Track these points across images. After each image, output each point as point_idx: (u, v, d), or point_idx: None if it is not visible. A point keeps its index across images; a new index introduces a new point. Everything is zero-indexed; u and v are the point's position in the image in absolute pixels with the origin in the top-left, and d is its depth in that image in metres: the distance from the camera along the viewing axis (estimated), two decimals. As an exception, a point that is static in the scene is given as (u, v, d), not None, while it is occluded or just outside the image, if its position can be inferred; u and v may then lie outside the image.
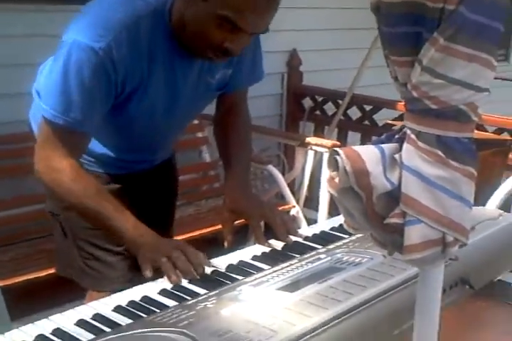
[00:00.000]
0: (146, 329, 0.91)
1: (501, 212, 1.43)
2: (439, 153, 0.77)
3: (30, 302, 2.01)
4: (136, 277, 1.53)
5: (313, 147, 2.77)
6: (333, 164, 0.79)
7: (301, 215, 2.84)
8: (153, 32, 1.29)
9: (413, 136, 0.78)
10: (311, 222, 2.97)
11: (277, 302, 0.99)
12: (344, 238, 1.33)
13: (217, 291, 1.06)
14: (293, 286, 1.06)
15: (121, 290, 1.53)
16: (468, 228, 0.82)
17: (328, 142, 2.77)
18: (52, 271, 2.14)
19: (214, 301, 1.01)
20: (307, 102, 3.67)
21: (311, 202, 3.14)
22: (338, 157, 0.78)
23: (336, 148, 0.80)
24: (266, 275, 1.13)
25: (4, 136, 2.45)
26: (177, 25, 1.31)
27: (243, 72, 1.55)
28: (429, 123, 0.77)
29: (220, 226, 2.75)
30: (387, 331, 1.01)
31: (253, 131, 3.40)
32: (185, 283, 1.17)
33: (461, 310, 1.20)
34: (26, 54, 2.42)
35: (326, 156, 2.77)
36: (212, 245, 2.89)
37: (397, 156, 0.79)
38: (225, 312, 0.95)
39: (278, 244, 1.36)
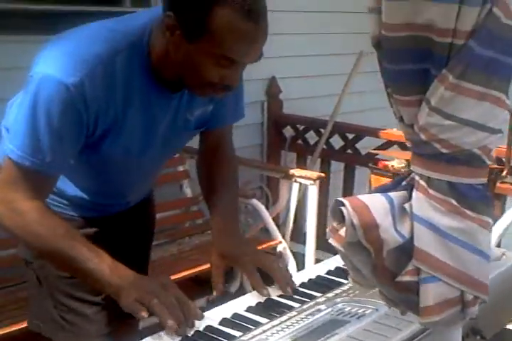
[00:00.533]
0: None
1: (504, 250, 1.35)
2: (453, 201, 0.69)
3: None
4: (113, 331, 1.44)
5: (298, 179, 2.69)
6: (338, 216, 0.72)
7: (288, 252, 2.75)
8: (129, 66, 1.20)
9: (423, 183, 0.71)
10: (298, 256, 2.88)
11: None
12: (343, 284, 1.24)
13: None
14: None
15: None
16: (488, 283, 0.74)
17: (314, 174, 2.69)
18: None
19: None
20: (288, 131, 3.61)
21: (297, 236, 3.06)
22: (343, 208, 0.70)
23: (340, 199, 0.72)
24: (264, 331, 1.04)
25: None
26: (157, 62, 1.23)
27: (227, 108, 1.47)
28: (440, 168, 0.70)
29: (204, 267, 2.72)
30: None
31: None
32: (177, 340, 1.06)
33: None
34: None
35: (311, 189, 2.70)
36: (197, 286, 2.80)
37: (406, 206, 0.72)
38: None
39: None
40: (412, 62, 0.68)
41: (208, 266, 2.82)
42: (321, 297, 1.19)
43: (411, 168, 0.75)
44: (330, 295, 1.19)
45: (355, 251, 0.73)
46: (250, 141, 3.64)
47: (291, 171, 2.73)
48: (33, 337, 1.69)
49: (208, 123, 1.46)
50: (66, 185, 1.39)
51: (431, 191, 0.70)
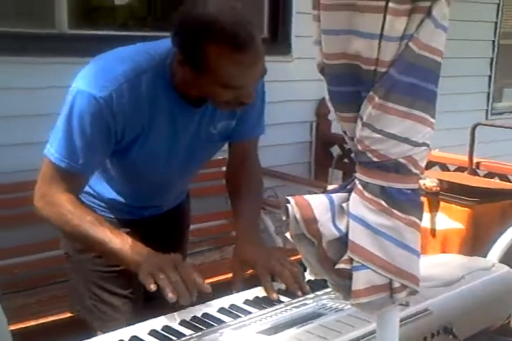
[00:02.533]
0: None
1: (495, 262, 1.44)
2: (383, 202, 0.82)
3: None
4: (140, 321, 1.61)
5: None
6: (285, 211, 0.86)
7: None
8: (154, 84, 1.38)
9: (360, 187, 0.84)
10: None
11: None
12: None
13: (200, 333, 1.12)
14: (272, 330, 1.11)
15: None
16: (418, 275, 0.86)
17: (349, 190, 2.81)
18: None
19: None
20: (335, 150, 3.73)
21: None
22: (288, 205, 0.85)
23: (288, 197, 0.86)
24: (250, 318, 1.19)
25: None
26: (179, 84, 1.39)
27: (249, 123, 1.61)
28: (374, 174, 0.83)
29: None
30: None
31: (281, 179, 3.45)
32: (175, 324, 1.21)
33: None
34: (32, 105, 2.61)
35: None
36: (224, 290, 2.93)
37: (344, 205, 0.85)
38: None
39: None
40: (348, 85, 0.82)
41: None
42: (311, 294, 1.32)
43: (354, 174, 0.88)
44: (320, 293, 1.32)
45: (302, 242, 0.86)
46: (299, 159, 3.79)
47: (330, 187, 2.86)
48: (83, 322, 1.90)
49: (231, 136, 1.62)
50: (104, 189, 1.59)
51: (366, 193, 0.83)
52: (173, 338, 1.14)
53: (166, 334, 1.18)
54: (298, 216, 0.84)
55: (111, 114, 1.33)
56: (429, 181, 2.54)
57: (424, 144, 0.82)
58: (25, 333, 2.15)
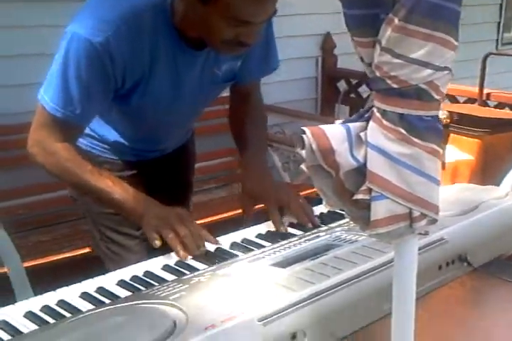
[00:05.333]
0: (139, 301, 0.97)
1: (509, 190, 1.43)
2: (402, 131, 0.79)
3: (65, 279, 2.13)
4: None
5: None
6: (301, 142, 0.83)
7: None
8: (154, 26, 1.31)
9: (378, 115, 0.81)
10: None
11: (267, 277, 1.03)
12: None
13: (214, 267, 1.12)
14: (286, 262, 1.11)
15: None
16: (437, 204, 0.84)
17: (359, 124, 2.76)
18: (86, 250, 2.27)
19: (208, 276, 1.06)
20: (342, 85, 3.67)
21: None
22: (304, 136, 0.82)
23: (303, 127, 0.83)
24: (264, 252, 1.18)
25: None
26: (180, 22, 1.33)
27: (254, 63, 1.56)
28: (393, 102, 0.80)
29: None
30: (376, 306, 1.04)
31: (288, 115, 3.42)
32: (188, 259, 1.22)
33: (460, 286, 1.22)
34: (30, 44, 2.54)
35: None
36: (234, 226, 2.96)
37: (362, 134, 0.82)
38: (215, 286, 1.01)
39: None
40: (365, 7, 0.77)
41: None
42: (324, 227, 1.32)
43: (372, 103, 0.84)
44: (333, 225, 1.31)
45: (317, 173, 0.84)
46: (305, 95, 3.74)
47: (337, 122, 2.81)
48: (91, 261, 1.92)
49: (236, 77, 1.57)
50: (107, 131, 1.56)
51: (384, 121, 0.80)
52: (187, 272, 1.15)
53: (180, 268, 1.18)
54: (314, 146, 0.81)
55: (109, 59, 1.27)
56: (440, 113, 2.50)
57: (446, 68, 0.78)
58: (39, 270, 2.19)
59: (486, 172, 2.48)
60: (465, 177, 2.53)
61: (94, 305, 1.02)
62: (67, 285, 1.10)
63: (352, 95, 3.63)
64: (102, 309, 0.95)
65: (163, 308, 0.93)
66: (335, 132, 0.82)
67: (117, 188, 1.33)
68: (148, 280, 1.13)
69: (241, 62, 1.53)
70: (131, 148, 1.62)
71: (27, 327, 0.98)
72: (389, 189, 0.81)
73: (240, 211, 2.76)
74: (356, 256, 1.10)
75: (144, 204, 1.32)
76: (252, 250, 1.23)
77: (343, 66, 3.64)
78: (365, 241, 1.17)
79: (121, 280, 1.13)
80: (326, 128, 0.83)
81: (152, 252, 1.59)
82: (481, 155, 2.45)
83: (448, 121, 2.49)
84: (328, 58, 3.65)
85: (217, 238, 1.31)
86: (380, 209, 0.81)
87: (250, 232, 1.35)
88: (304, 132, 0.82)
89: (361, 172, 0.83)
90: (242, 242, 1.29)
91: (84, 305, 1.03)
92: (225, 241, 1.30)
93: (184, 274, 1.13)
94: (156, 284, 1.09)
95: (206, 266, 1.15)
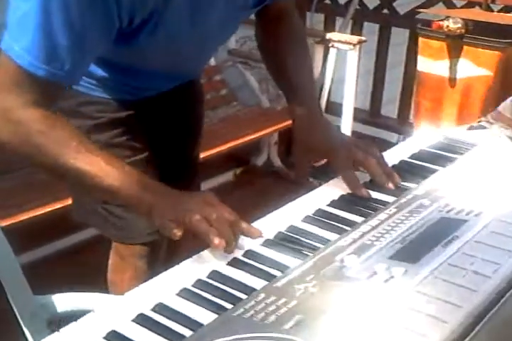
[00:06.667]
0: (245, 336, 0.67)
1: None
2: None
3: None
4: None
5: (336, 44, 2.43)
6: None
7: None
8: None
9: None
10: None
11: (399, 282, 0.74)
12: (435, 170, 1.07)
13: (309, 262, 0.82)
14: (409, 253, 0.82)
15: (152, 242, 1.32)
16: None
17: (354, 38, 2.42)
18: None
19: (314, 282, 0.76)
20: (315, -10, 3.25)
21: (332, 108, 2.86)
22: None
23: None
24: (364, 234, 0.88)
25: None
26: None
27: None
28: None
29: (234, 142, 2.56)
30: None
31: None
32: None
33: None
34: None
35: (350, 55, 2.44)
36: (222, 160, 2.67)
37: None
38: (338, 305, 0.71)
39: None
40: None
41: (238, 141, 2.70)
42: (417, 189, 1.02)
43: None
44: (428, 186, 1.02)
45: None
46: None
47: (328, 35, 2.45)
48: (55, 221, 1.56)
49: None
50: (95, 66, 1.17)
51: None
52: (277, 273, 0.84)
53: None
54: None
55: None
56: (453, 22, 2.17)
57: None
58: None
59: (504, 89, 2.23)
60: (479, 95, 2.27)
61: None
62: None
63: (327, 1, 3.22)
64: None
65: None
66: None
67: (116, 171, 0.94)
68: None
69: None
70: (127, 85, 1.25)
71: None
72: None
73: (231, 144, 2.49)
74: (503, 238, 0.82)
75: (156, 192, 0.95)
76: (342, 229, 0.92)
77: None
78: (492, 212, 0.89)
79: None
80: None
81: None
82: (501, 69, 2.17)
83: (463, 31, 2.18)
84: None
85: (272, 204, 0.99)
86: None
87: (318, 198, 1.04)
88: None
89: None
90: (317, 215, 0.98)
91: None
92: (293, 213, 0.99)
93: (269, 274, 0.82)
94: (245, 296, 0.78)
95: (295, 257, 0.85)
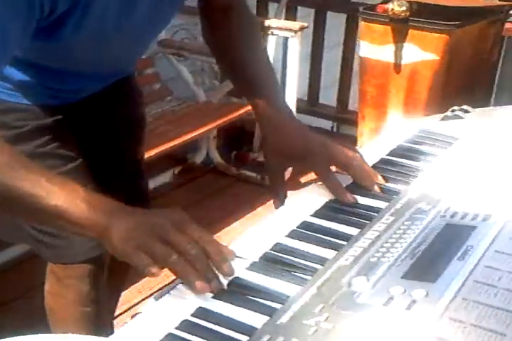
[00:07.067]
0: None
1: None
2: None
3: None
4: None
5: (275, 31, 2.31)
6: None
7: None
8: None
9: None
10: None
11: (423, 308, 0.64)
12: (419, 168, 0.98)
13: (311, 289, 0.70)
14: (424, 270, 0.72)
15: (95, 258, 1.17)
16: None
17: (296, 25, 2.31)
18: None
19: (325, 314, 0.65)
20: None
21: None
22: None
23: None
24: (365, 249, 0.78)
25: None
26: None
27: None
28: None
29: (175, 142, 2.41)
30: None
31: (197, 15, 2.86)
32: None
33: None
34: None
35: (292, 42, 2.34)
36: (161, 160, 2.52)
37: None
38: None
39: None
40: None
41: (178, 140, 2.54)
42: (409, 191, 0.92)
43: None
44: (420, 187, 0.93)
45: None
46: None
47: (267, 22, 2.34)
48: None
49: None
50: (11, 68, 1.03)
51: None
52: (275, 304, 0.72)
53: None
54: None
55: None
56: (398, 5, 2.10)
57: None
58: None
59: (450, 73, 2.18)
60: (426, 81, 2.21)
61: None
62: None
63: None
64: None
65: None
66: None
67: (58, 189, 0.77)
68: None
69: None
70: (49, 88, 1.12)
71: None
72: None
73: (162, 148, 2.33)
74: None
75: (108, 210, 0.77)
76: (334, 244, 0.81)
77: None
78: (501, 216, 0.80)
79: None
80: None
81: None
82: (448, 53, 2.12)
83: (408, 14, 2.10)
84: None
85: (248, 216, 0.91)
86: None
87: (298, 208, 0.92)
88: None
89: None
90: (305, 229, 0.86)
91: None
92: (273, 226, 0.87)
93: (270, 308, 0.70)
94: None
95: (293, 282, 0.73)
